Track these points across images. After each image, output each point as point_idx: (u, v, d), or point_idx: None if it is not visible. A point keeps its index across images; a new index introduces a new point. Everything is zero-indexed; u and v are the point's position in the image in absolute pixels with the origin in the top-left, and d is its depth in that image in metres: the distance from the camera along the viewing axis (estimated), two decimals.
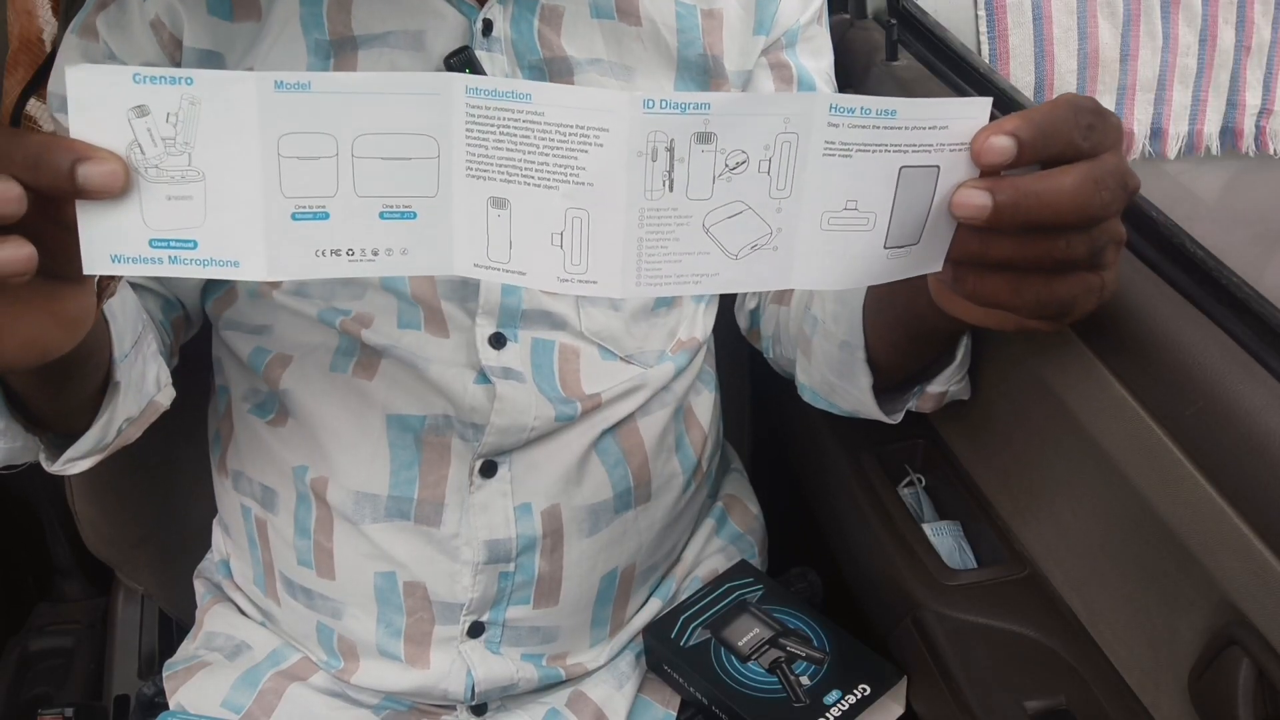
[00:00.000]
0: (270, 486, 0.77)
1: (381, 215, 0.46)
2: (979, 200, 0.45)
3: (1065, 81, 1.40)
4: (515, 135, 0.45)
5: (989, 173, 0.46)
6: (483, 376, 0.71)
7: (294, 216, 0.45)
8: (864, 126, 0.45)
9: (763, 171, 0.46)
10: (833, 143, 0.45)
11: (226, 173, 0.44)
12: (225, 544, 0.85)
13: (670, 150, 0.45)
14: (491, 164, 0.46)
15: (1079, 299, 0.49)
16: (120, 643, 1.06)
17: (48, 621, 1.20)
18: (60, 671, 1.13)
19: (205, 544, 0.89)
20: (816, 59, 0.82)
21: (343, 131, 0.44)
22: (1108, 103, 1.43)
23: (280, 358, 0.74)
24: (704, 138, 0.45)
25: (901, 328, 0.64)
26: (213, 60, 0.70)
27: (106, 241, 0.45)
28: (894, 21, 0.89)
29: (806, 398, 0.78)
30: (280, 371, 0.74)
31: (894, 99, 0.45)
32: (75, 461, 0.65)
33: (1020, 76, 1.38)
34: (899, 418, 0.72)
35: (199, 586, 0.88)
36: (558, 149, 0.45)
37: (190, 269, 0.45)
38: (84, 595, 1.23)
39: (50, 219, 0.43)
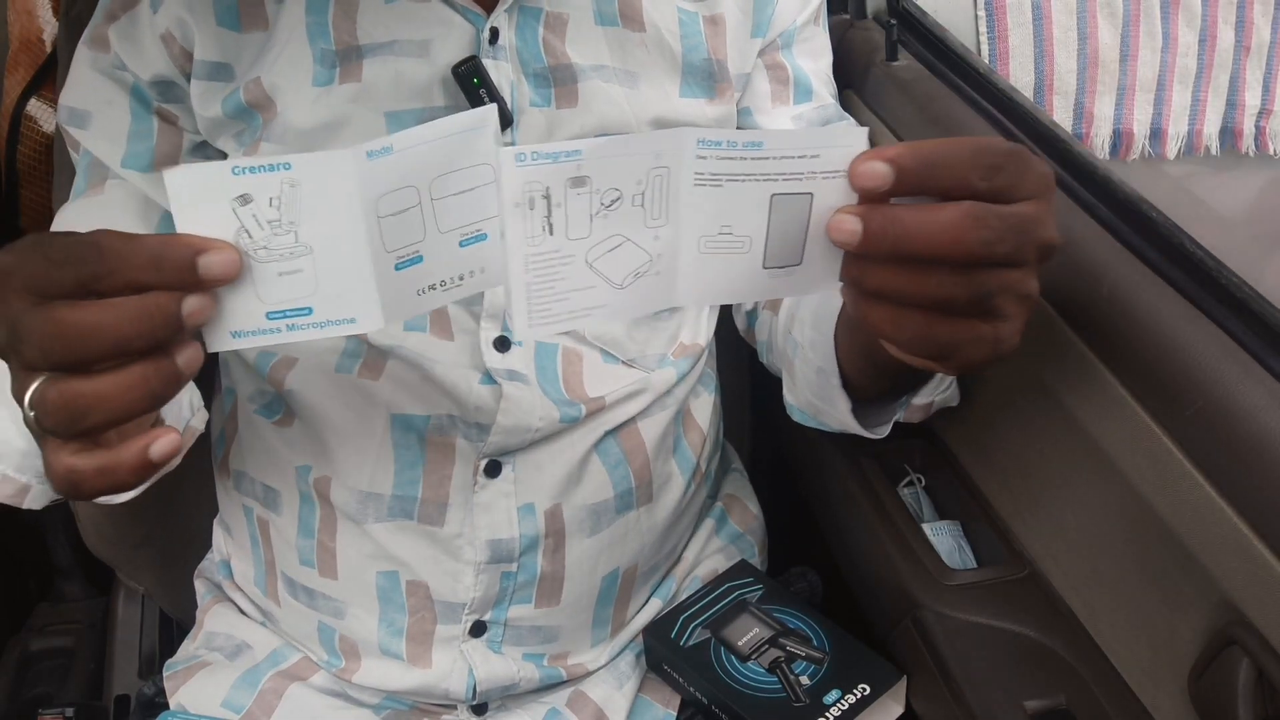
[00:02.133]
0: (273, 487, 0.77)
1: (460, 244, 0.49)
2: (850, 226, 0.45)
3: (1065, 81, 1.40)
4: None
5: (871, 199, 0.46)
6: (488, 377, 0.71)
7: (396, 267, 0.48)
8: (731, 158, 0.46)
9: (637, 205, 0.47)
10: (702, 174, 0.46)
11: (332, 242, 0.46)
12: (226, 544, 0.85)
13: (547, 198, 0.46)
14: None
15: (963, 346, 0.47)
16: (120, 643, 1.06)
17: (48, 621, 1.20)
18: (61, 671, 1.13)
19: (206, 544, 0.89)
20: (815, 60, 0.82)
21: (422, 180, 0.47)
22: (1107, 103, 1.43)
23: (286, 360, 0.74)
24: (578, 181, 0.46)
25: (866, 357, 0.63)
26: (222, 72, 0.70)
27: (225, 320, 0.47)
28: (894, 22, 0.89)
29: (796, 418, 0.78)
30: (286, 372, 0.74)
31: (761, 131, 0.46)
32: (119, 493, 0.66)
33: (1020, 76, 1.38)
34: (885, 432, 0.71)
35: (199, 586, 0.88)
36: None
37: (309, 333, 0.48)
38: (84, 595, 1.23)
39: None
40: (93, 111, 0.73)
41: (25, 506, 0.63)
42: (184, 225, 0.45)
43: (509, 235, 0.47)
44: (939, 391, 0.69)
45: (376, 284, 0.47)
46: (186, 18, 0.69)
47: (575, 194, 0.46)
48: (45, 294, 0.42)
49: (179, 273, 0.43)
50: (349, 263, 0.46)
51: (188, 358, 0.45)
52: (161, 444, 0.45)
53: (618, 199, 0.47)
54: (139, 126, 0.73)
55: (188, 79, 0.71)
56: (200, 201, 0.44)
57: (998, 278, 0.46)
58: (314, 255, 0.46)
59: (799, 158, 0.46)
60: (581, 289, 0.49)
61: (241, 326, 0.47)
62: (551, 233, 0.47)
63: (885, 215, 0.45)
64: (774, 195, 0.47)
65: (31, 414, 0.43)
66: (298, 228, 0.45)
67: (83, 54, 0.73)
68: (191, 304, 0.44)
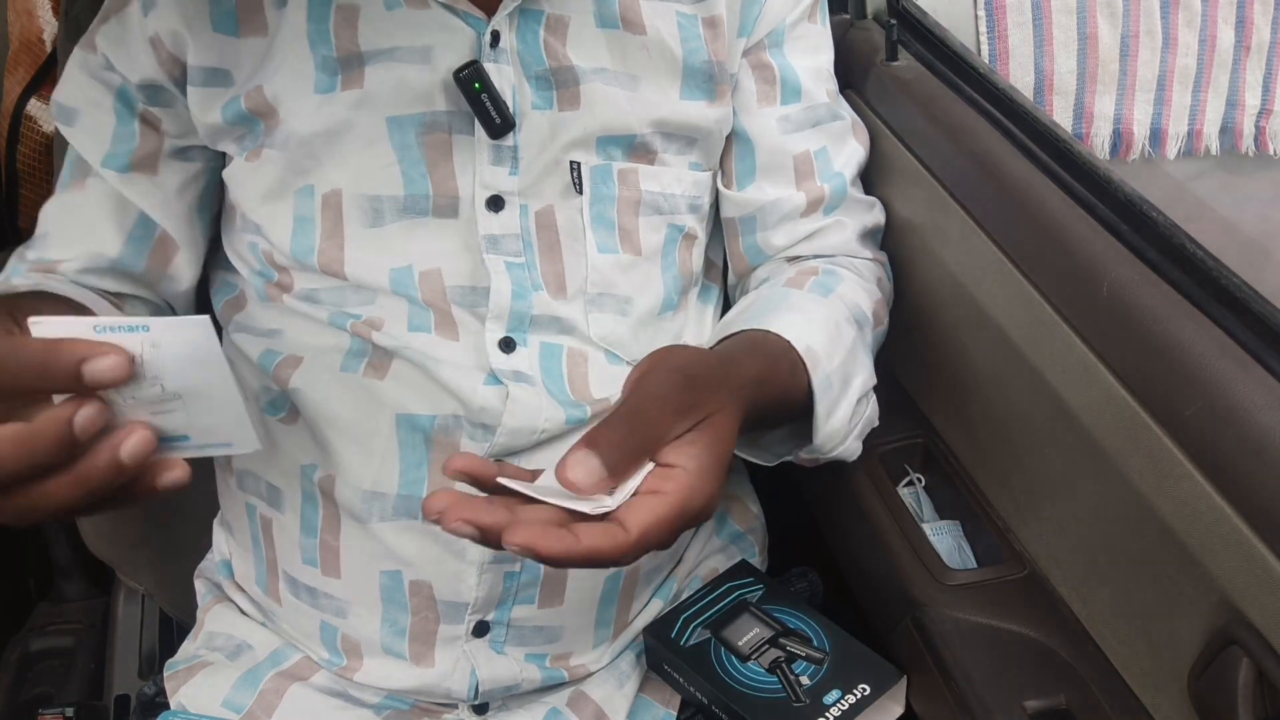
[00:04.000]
0: (276, 485, 0.77)
1: None
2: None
3: (1065, 81, 1.40)
4: None
5: None
6: (493, 378, 0.71)
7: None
8: None
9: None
10: None
11: (200, 388, 0.49)
12: (227, 544, 0.85)
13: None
14: None
15: None
16: (121, 643, 1.07)
17: (48, 621, 1.20)
18: (61, 671, 1.14)
19: (206, 544, 0.89)
20: (812, 56, 0.81)
21: None
22: (1107, 103, 1.43)
23: (291, 359, 0.74)
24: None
25: None
26: (219, 78, 0.71)
27: None
28: (894, 22, 0.89)
29: None
30: (290, 371, 0.74)
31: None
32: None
33: (1020, 76, 1.38)
34: (772, 463, 0.75)
35: (200, 586, 0.88)
36: None
37: (192, 452, 0.52)
38: (85, 595, 1.23)
39: None
40: (80, 110, 0.75)
41: None
42: None
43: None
44: (824, 452, 0.72)
45: (250, 417, 0.51)
46: (180, 27, 0.70)
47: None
48: None
49: (66, 379, 0.46)
50: (220, 404, 0.50)
51: (129, 449, 0.47)
52: (169, 477, 0.49)
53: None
54: (122, 129, 0.75)
55: (175, 84, 0.72)
56: None
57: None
58: (183, 399, 0.49)
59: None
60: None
61: None
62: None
63: (571, 553, 0.50)
64: None
65: None
66: (162, 380, 0.48)
67: (75, 54, 0.75)
68: (82, 419, 0.46)
